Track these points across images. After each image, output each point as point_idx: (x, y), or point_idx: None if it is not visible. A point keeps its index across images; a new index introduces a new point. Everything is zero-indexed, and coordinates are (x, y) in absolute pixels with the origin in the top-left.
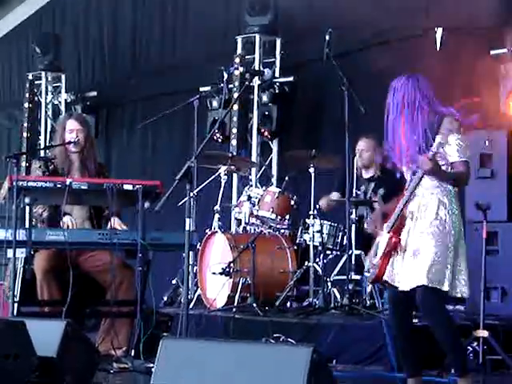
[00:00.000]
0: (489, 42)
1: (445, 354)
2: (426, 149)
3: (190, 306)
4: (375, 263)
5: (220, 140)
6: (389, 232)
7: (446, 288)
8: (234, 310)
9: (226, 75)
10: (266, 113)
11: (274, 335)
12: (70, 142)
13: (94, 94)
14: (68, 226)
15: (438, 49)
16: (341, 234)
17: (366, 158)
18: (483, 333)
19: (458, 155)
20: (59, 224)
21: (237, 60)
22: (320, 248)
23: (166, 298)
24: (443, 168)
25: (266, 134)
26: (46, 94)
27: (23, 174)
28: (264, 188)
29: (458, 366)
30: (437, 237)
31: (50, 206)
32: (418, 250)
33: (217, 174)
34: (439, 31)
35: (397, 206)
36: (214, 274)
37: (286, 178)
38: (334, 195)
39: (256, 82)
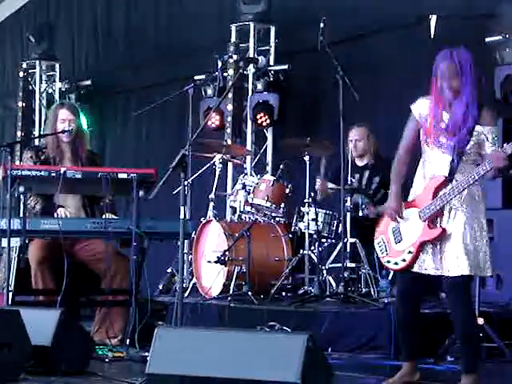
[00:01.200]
0: (484, 30)
1: (440, 342)
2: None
3: (185, 294)
4: (402, 250)
5: (215, 127)
6: (425, 221)
7: (489, 273)
8: (229, 298)
9: (220, 63)
10: (260, 100)
11: (270, 323)
12: (63, 131)
13: (89, 82)
14: None
15: (431, 36)
16: (336, 222)
17: (360, 147)
18: (478, 320)
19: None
20: (53, 216)
21: (231, 48)
22: (315, 236)
23: (161, 287)
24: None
25: (263, 122)
26: (40, 82)
27: (17, 163)
28: (259, 176)
29: (469, 362)
30: (475, 225)
31: (42, 198)
32: (458, 238)
33: (212, 163)
34: (433, 18)
35: (433, 193)
36: (209, 262)
37: (281, 166)
38: (330, 185)
39: (250, 69)
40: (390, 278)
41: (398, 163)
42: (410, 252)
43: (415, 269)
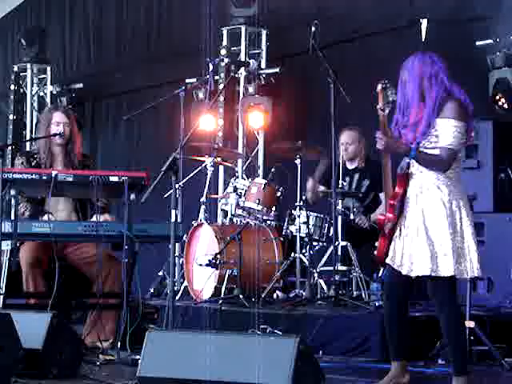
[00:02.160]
0: (474, 33)
1: (431, 345)
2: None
3: (177, 297)
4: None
5: (206, 130)
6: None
7: (450, 273)
8: (221, 301)
9: (211, 67)
10: (252, 104)
11: (261, 326)
12: (55, 134)
13: (80, 85)
14: None
15: (423, 40)
16: (327, 225)
17: (352, 150)
18: (469, 323)
19: (446, 142)
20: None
21: (222, 51)
22: (306, 239)
23: (152, 290)
24: (431, 150)
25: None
26: (32, 85)
27: (9, 166)
28: (250, 179)
29: (458, 363)
30: (437, 222)
31: (32, 205)
32: (418, 236)
33: (203, 166)
34: (424, 22)
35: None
36: (200, 265)
37: (272, 170)
38: (321, 188)
39: (242, 73)
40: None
41: None
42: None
43: (394, 265)
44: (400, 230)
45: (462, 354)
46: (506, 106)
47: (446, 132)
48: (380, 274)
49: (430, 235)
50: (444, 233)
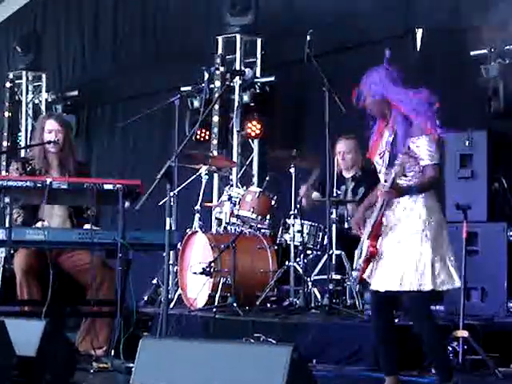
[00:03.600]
0: (469, 43)
1: (424, 355)
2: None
3: (171, 305)
4: (360, 264)
5: (201, 139)
6: (368, 239)
7: (428, 288)
8: (215, 309)
9: (207, 75)
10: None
11: (255, 335)
12: (49, 142)
13: (75, 93)
14: None
15: (418, 49)
16: (321, 233)
17: (349, 159)
18: (463, 333)
19: (429, 159)
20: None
21: (218, 60)
22: (300, 248)
23: (146, 298)
24: (414, 171)
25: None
26: (27, 93)
27: (3, 173)
28: (245, 188)
29: (441, 371)
30: (411, 241)
31: (24, 211)
32: (394, 256)
33: (198, 174)
34: (419, 32)
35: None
36: (194, 273)
37: (267, 178)
38: (315, 195)
39: (237, 81)
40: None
41: None
42: (360, 266)
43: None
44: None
45: (445, 362)
46: (500, 115)
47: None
48: None
49: (408, 250)
50: (422, 247)
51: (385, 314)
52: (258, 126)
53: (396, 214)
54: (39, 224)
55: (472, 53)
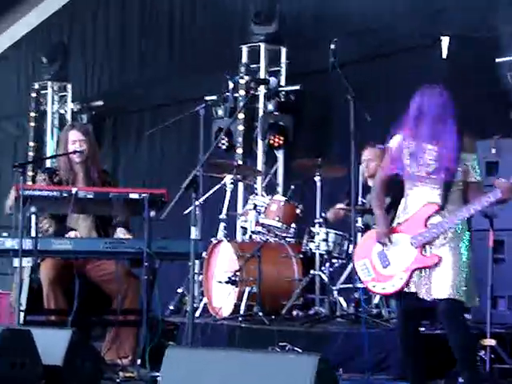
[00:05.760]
0: (495, 50)
1: (452, 363)
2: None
3: (196, 314)
4: (391, 275)
5: (225, 148)
6: (417, 247)
7: (467, 300)
8: (240, 318)
9: (231, 84)
10: (272, 121)
11: (280, 344)
12: (74, 152)
13: (101, 103)
14: None
15: (444, 57)
16: (346, 242)
17: (373, 167)
18: (490, 341)
19: (479, 176)
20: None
21: (242, 69)
22: (326, 256)
23: (171, 307)
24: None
25: (275, 143)
26: (52, 103)
27: (29, 183)
28: (270, 197)
29: (470, 382)
30: (460, 250)
31: (55, 221)
32: (446, 264)
33: (222, 183)
34: (445, 40)
35: (425, 221)
36: (219, 282)
37: (292, 187)
38: (339, 205)
39: (261, 90)
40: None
41: (379, 196)
42: (401, 278)
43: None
44: None
45: (476, 373)
46: None
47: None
48: None
49: (458, 259)
50: (468, 256)
51: (414, 322)
52: (281, 136)
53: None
54: (72, 233)
55: (497, 60)
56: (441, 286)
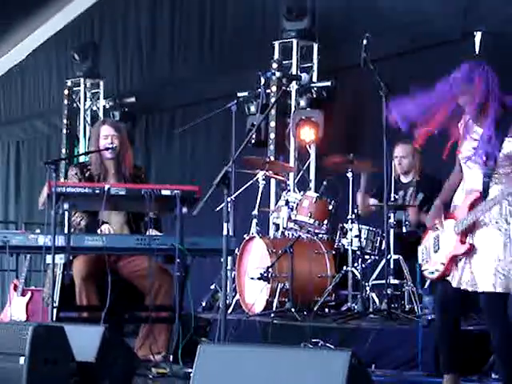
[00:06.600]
0: None
1: (484, 359)
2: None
3: (229, 311)
4: (437, 260)
5: (258, 145)
6: (458, 234)
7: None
8: (273, 314)
9: (263, 80)
10: (304, 117)
11: (313, 340)
12: (106, 148)
13: (133, 100)
14: None
15: (477, 52)
16: (379, 238)
17: (406, 164)
18: None
19: None
20: (97, 232)
21: (274, 65)
22: (358, 253)
23: (204, 303)
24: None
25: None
26: (85, 100)
27: (62, 180)
28: (302, 193)
29: (507, 379)
30: (507, 243)
31: (87, 214)
32: (489, 255)
33: (255, 179)
34: (478, 35)
35: (469, 208)
36: (252, 279)
37: (324, 183)
38: (371, 201)
39: (293, 86)
40: (426, 286)
41: (452, 175)
42: (442, 263)
43: (453, 283)
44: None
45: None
46: None
47: None
48: (426, 286)
49: (492, 251)
50: (501, 249)
51: (451, 313)
52: (312, 132)
53: (492, 212)
54: (105, 227)
55: None
56: (481, 277)
